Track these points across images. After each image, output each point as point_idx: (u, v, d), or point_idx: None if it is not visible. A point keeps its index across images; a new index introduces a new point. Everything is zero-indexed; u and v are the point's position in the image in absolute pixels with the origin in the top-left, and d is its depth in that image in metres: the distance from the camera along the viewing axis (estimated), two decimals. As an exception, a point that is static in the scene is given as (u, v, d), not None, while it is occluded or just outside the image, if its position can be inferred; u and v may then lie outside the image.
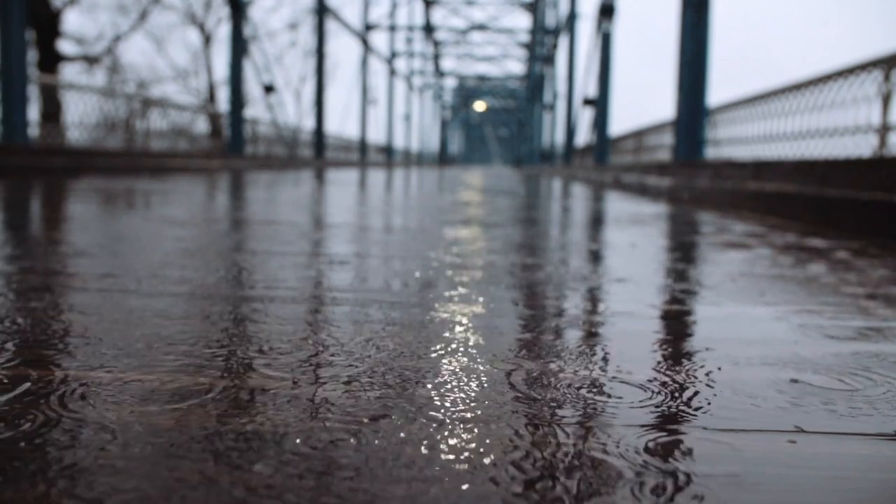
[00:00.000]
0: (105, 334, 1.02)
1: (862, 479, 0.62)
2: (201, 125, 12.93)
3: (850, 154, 4.19)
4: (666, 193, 6.40)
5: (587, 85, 12.97)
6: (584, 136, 13.81)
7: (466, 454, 0.63)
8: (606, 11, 11.45)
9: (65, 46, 18.85)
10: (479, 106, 57.80)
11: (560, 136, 19.73)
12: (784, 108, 5.25)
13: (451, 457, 0.62)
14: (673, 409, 0.77)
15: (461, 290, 1.47)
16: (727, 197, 4.73)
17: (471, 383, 0.84)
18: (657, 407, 0.78)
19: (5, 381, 0.80)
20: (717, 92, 6.46)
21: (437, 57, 40.94)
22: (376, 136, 27.71)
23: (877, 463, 0.65)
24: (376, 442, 0.65)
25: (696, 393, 0.83)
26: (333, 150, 20.31)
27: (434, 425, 0.70)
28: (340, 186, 7.10)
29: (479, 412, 0.74)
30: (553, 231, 3.10)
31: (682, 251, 2.43)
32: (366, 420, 0.70)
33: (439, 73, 45.25)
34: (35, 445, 0.62)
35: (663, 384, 0.86)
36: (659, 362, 0.96)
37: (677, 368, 0.93)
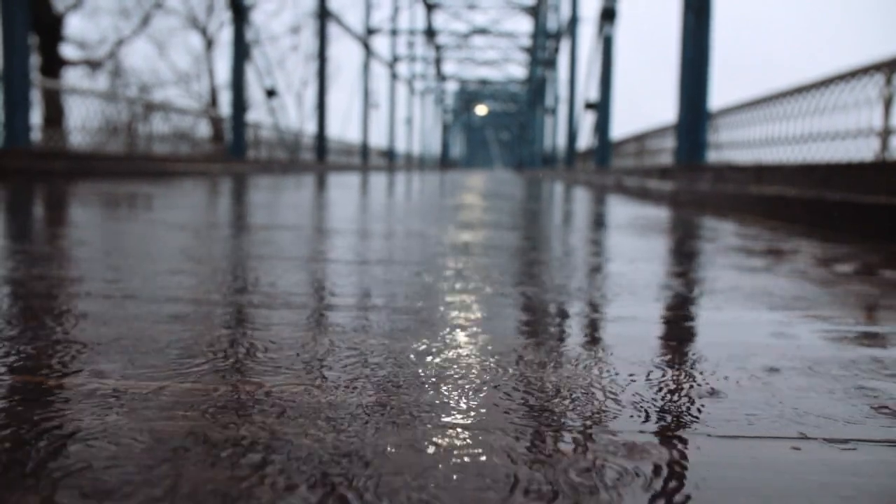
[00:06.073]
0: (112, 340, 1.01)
1: (866, 485, 0.61)
2: (203, 129, 12.96)
3: (851, 157, 4.18)
4: (668, 197, 6.39)
5: (588, 88, 12.97)
6: (585, 139, 13.82)
7: (468, 461, 0.63)
8: (608, 15, 11.46)
9: (67, 51, 18.91)
10: (481, 110, 57.87)
11: (561, 140, 19.74)
12: (785, 112, 5.25)
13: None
14: (675, 414, 0.77)
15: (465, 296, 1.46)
16: (729, 201, 4.73)
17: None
18: (659, 412, 0.77)
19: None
20: (717, 92, 6.44)
21: (438, 61, 40.99)
22: (378, 139, 27.70)
23: (881, 469, 0.65)
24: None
25: (698, 397, 0.83)
26: (335, 154, 20.32)
27: (435, 432, 0.69)
28: (344, 190, 7.10)
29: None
30: (555, 235, 3.10)
31: (685, 256, 2.43)
32: (367, 426, 0.70)
33: (441, 77, 45.29)
34: (35, 452, 0.62)
35: (663, 388, 0.85)
36: (660, 365, 0.95)
37: (679, 372, 0.93)
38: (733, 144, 6.39)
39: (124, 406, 0.74)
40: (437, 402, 0.79)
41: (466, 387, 0.84)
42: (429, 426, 0.71)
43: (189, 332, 1.07)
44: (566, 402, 0.80)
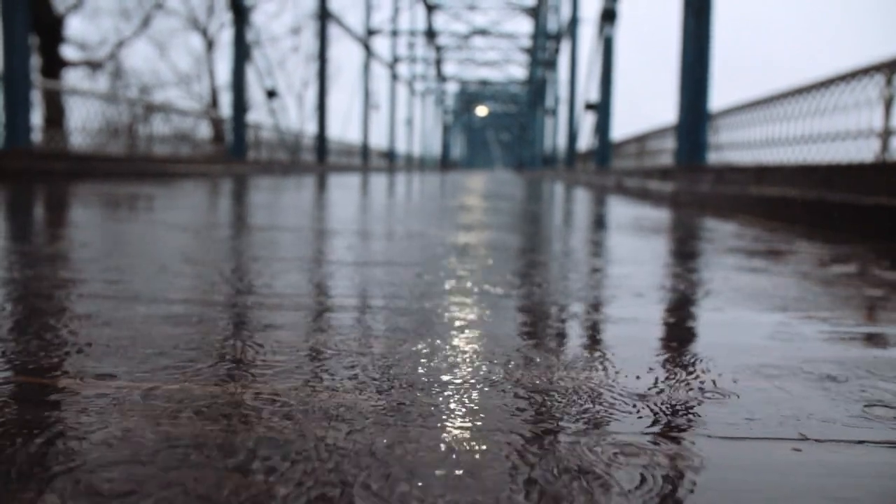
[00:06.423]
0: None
1: (867, 486, 0.61)
2: (204, 130, 12.96)
3: (852, 158, 4.18)
4: (668, 198, 6.39)
5: (589, 89, 12.98)
6: (586, 140, 13.82)
7: (470, 462, 0.63)
8: (608, 16, 11.46)
9: (68, 52, 18.89)
10: (481, 110, 57.88)
11: (562, 141, 19.74)
12: (786, 113, 5.25)
13: (455, 465, 0.62)
14: (676, 415, 0.77)
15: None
16: (729, 202, 4.73)
17: (474, 390, 0.84)
18: (660, 413, 0.77)
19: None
20: (717, 93, 6.42)
21: (438, 62, 41.00)
22: (378, 140, 27.70)
23: (882, 471, 0.65)
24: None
25: (699, 398, 0.83)
26: (336, 155, 20.33)
27: (437, 433, 0.69)
28: (345, 190, 7.10)
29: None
30: (556, 236, 3.10)
31: (686, 257, 2.43)
32: (369, 428, 0.70)
33: (441, 78, 45.31)
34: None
35: (663, 389, 0.86)
36: (661, 366, 0.95)
37: (680, 373, 0.93)
38: (734, 145, 6.39)
39: (128, 407, 0.74)
40: (439, 402, 0.79)
41: (468, 387, 0.85)
42: (430, 426, 0.71)
43: (191, 333, 1.08)
44: (566, 402, 0.80)
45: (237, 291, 1.44)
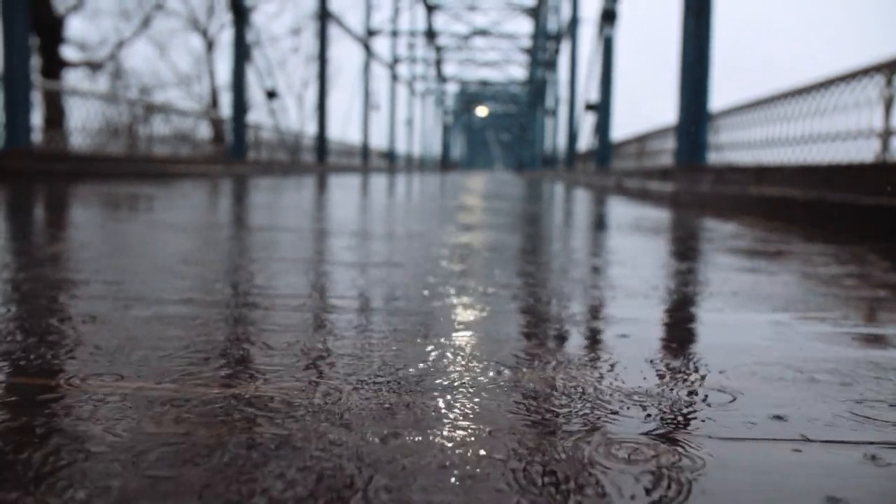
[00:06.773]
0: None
1: (867, 487, 0.62)
2: (204, 130, 12.96)
3: (852, 159, 4.18)
4: (668, 198, 6.39)
5: (589, 89, 12.98)
6: (586, 140, 13.82)
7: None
8: (608, 16, 11.46)
9: (68, 52, 18.88)
10: (481, 111, 57.89)
11: (562, 141, 19.75)
12: (786, 113, 5.25)
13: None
14: (676, 416, 0.77)
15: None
16: (729, 202, 4.73)
17: (474, 391, 0.84)
18: (660, 414, 0.77)
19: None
20: (717, 93, 6.42)
21: (439, 62, 41.00)
22: (378, 141, 27.69)
23: (882, 472, 0.65)
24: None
25: (699, 399, 0.83)
26: (336, 155, 20.32)
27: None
28: (345, 191, 7.10)
29: (482, 420, 0.74)
30: (556, 237, 3.10)
31: (686, 258, 2.43)
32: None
33: (441, 79, 45.32)
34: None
35: (664, 390, 0.86)
36: (661, 367, 0.95)
37: (680, 374, 0.93)
38: (734, 145, 6.39)
39: (133, 409, 0.75)
40: (442, 402, 0.79)
41: (471, 388, 0.85)
42: (432, 427, 0.71)
43: (193, 335, 1.08)
44: (567, 403, 0.80)
45: (239, 293, 1.44)
